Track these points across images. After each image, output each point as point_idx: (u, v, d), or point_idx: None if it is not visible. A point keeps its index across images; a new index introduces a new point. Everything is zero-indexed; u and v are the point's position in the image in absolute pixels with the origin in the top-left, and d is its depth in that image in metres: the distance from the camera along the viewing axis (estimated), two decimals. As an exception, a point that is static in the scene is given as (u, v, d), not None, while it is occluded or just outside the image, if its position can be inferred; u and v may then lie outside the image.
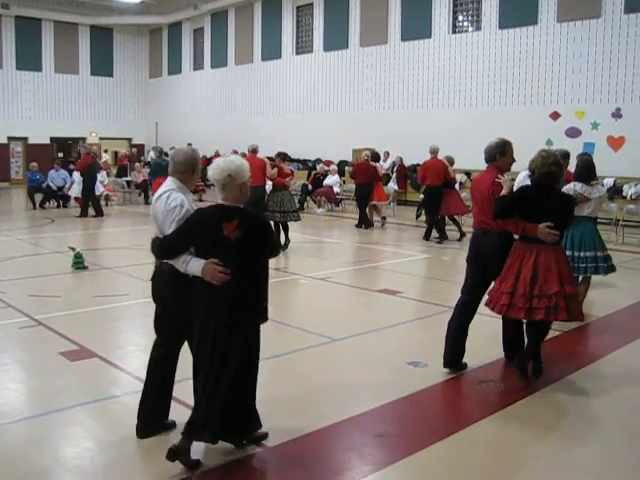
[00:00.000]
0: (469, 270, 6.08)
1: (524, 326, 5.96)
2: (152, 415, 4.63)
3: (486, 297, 5.90)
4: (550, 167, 5.54)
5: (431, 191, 14.69)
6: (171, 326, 4.54)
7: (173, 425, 4.70)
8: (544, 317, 5.46)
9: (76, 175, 19.20)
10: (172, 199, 4.36)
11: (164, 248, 4.30)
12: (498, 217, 5.61)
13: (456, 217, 15.24)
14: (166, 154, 20.78)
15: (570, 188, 7.58)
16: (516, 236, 5.73)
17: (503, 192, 5.65)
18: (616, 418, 5.15)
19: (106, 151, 32.11)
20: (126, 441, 4.56)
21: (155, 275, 4.64)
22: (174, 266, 4.27)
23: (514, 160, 6.04)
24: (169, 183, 4.51)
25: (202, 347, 4.15)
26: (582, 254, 7.69)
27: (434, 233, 14.56)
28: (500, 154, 5.93)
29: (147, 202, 21.48)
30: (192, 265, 4.14)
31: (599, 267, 7.78)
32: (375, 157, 17.10)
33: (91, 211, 18.23)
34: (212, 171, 4.17)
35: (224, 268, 4.02)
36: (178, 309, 4.39)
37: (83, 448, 4.49)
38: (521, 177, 8.78)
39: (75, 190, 19.07)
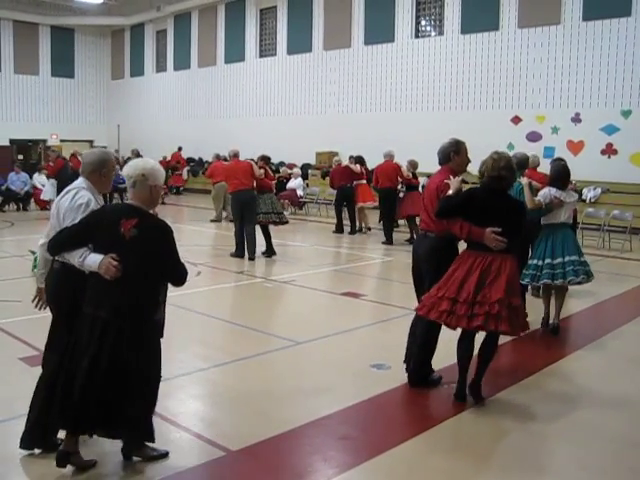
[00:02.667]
0: (412, 274, 6.05)
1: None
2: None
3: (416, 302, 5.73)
4: (500, 171, 5.27)
5: (384, 193, 14.90)
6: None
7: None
8: (481, 324, 5.09)
9: (39, 178, 18.98)
10: (79, 196, 4.31)
11: (62, 240, 4.16)
12: (440, 216, 5.39)
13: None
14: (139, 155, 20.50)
15: (546, 193, 7.52)
16: (461, 243, 5.53)
17: (449, 192, 5.44)
18: (574, 419, 5.23)
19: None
20: (88, 448, 4.51)
21: (47, 277, 4.47)
22: (65, 265, 4.20)
23: (469, 160, 5.94)
24: (79, 182, 4.47)
25: (85, 343, 4.01)
26: (567, 259, 7.45)
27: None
28: (455, 153, 5.84)
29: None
30: (89, 259, 4.05)
31: (578, 270, 7.48)
32: (359, 160, 16.97)
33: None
34: (127, 168, 4.18)
35: (117, 265, 3.95)
36: (65, 306, 4.29)
37: (43, 455, 4.42)
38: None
39: (48, 193, 18.76)
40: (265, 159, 13.08)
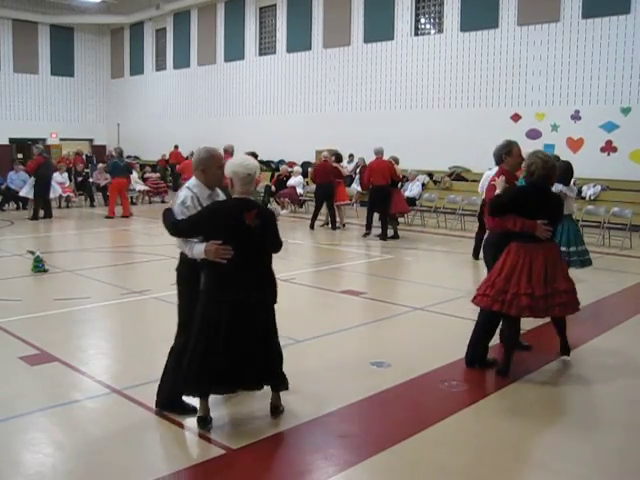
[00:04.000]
0: None
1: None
2: (168, 394, 5.00)
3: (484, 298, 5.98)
4: (549, 170, 5.81)
5: (377, 190, 14.97)
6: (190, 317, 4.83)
7: (192, 409, 4.94)
8: (558, 313, 5.94)
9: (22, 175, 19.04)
10: (178, 196, 4.90)
11: (182, 227, 4.70)
12: (494, 214, 5.91)
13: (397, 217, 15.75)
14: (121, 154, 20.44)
15: (556, 188, 8.24)
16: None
17: (497, 191, 5.96)
18: (579, 412, 5.23)
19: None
20: (88, 446, 4.52)
21: (177, 266, 4.99)
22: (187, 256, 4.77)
23: (522, 159, 6.25)
24: (189, 181, 5.01)
25: (223, 326, 4.60)
26: (578, 248, 9.02)
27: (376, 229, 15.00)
28: (506, 154, 6.24)
29: (107, 204, 21.26)
30: (196, 248, 4.63)
31: (585, 260, 9.13)
32: (338, 157, 17.28)
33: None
34: (241, 167, 4.70)
35: (225, 246, 4.53)
36: (189, 298, 4.84)
37: (44, 454, 4.42)
38: (485, 176, 9.25)
39: (24, 190, 18.70)
40: (254, 156, 13.20)
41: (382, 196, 14.88)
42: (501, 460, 4.45)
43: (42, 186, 18.01)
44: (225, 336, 4.60)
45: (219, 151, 5.06)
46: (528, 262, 5.74)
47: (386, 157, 15.27)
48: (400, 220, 17.37)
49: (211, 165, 4.89)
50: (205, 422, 4.72)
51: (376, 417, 5.14)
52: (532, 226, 5.72)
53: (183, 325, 4.92)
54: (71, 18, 32.89)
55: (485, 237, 6.50)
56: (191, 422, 4.87)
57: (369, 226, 15.17)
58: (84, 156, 28.87)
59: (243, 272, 4.63)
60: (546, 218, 5.78)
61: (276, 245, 4.86)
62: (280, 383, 4.92)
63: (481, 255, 7.29)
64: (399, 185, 16.24)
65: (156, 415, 4.98)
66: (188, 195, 4.83)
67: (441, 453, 4.53)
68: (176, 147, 28.39)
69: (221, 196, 5.05)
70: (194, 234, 4.68)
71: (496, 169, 6.62)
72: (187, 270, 4.87)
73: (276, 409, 4.95)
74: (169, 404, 5.00)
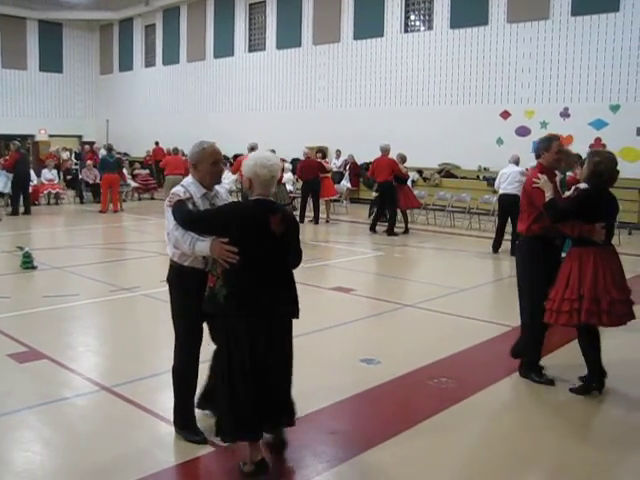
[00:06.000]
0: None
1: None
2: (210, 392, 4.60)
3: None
4: (615, 171, 5.52)
5: (382, 187, 15.24)
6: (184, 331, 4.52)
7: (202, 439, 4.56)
8: (627, 320, 5.49)
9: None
10: (172, 191, 4.45)
11: (195, 219, 4.23)
12: (558, 221, 5.49)
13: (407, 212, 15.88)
14: (110, 150, 20.38)
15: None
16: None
17: (547, 195, 5.52)
18: (565, 408, 5.25)
19: (65, 149, 31.34)
20: (77, 444, 4.51)
21: (168, 274, 4.58)
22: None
23: (560, 155, 5.94)
24: (186, 177, 4.61)
25: (254, 342, 4.03)
26: None
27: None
28: (544, 149, 5.89)
29: (97, 200, 21.18)
30: (199, 245, 4.15)
31: None
32: (323, 154, 17.54)
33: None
34: (263, 169, 4.11)
35: (232, 248, 4.01)
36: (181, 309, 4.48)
37: (32, 452, 4.41)
38: (507, 172, 8.72)
39: (0, 185, 18.64)
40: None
41: (386, 192, 15.14)
42: (492, 456, 4.47)
43: (20, 182, 18.01)
44: (263, 362, 4.05)
45: (214, 146, 4.51)
46: (606, 266, 5.39)
47: (394, 155, 15.44)
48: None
49: (202, 160, 4.43)
50: (265, 466, 4.15)
51: (365, 414, 5.14)
52: (591, 231, 5.39)
53: (178, 339, 4.55)
54: (60, 14, 32.71)
55: (520, 240, 6.05)
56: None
57: (374, 224, 15.45)
58: (73, 152, 28.78)
59: (269, 282, 4.07)
60: (606, 220, 5.45)
61: (297, 256, 4.28)
62: (293, 417, 4.33)
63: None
64: (408, 181, 16.42)
65: (145, 412, 4.97)
66: (180, 191, 4.38)
67: (430, 450, 4.54)
68: (157, 143, 28.16)
69: (224, 199, 4.57)
70: (207, 229, 4.16)
71: (521, 167, 6.17)
72: (177, 280, 4.46)
73: (284, 444, 4.37)
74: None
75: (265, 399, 4.06)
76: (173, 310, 4.53)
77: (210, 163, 4.44)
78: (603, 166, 5.43)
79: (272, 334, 4.06)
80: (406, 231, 15.33)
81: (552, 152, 5.84)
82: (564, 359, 6.34)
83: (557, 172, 7.32)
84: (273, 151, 13.85)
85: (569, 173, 8.41)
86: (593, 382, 5.56)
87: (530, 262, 5.80)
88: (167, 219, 4.34)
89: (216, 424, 4.20)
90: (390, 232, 14.98)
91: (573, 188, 5.77)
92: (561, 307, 5.36)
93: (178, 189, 4.40)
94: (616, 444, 4.69)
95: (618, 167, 5.55)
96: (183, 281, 4.41)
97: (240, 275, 4.03)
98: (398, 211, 15.29)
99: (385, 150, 15.21)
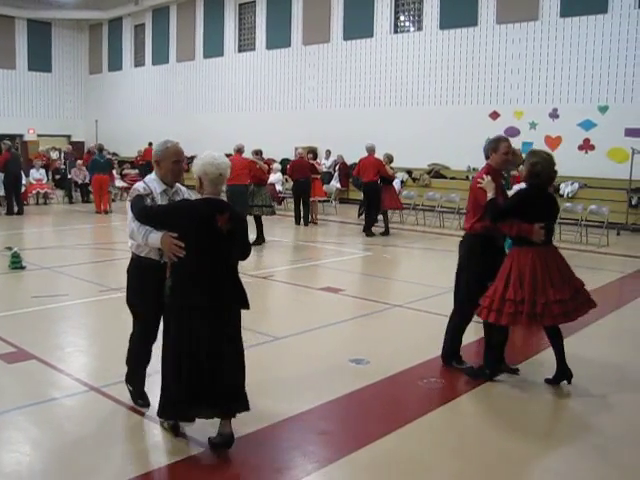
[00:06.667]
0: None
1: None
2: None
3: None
4: (553, 171, 5.67)
5: (368, 187, 15.27)
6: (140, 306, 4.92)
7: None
8: (586, 311, 5.61)
9: None
10: (134, 186, 4.80)
11: (150, 213, 4.48)
12: (496, 220, 5.60)
13: (388, 213, 15.91)
14: (101, 150, 20.32)
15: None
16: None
17: (489, 195, 5.63)
18: (557, 409, 5.28)
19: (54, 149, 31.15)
20: (65, 444, 4.49)
21: (128, 266, 4.92)
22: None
23: (508, 157, 6.03)
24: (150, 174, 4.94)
25: (195, 331, 4.28)
26: None
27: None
28: (493, 150, 5.97)
29: (86, 200, 21.11)
30: (152, 237, 4.44)
31: None
32: (314, 154, 17.55)
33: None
34: (210, 167, 4.35)
35: (180, 243, 4.28)
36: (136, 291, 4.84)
37: (20, 453, 4.39)
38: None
39: None
40: (260, 152, 14.02)
41: (371, 192, 15.16)
42: (480, 456, 4.48)
43: (11, 182, 17.94)
44: (202, 347, 4.29)
45: (177, 146, 4.76)
46: (545, 266, 5.48)
47: (380, 155, 15.47)
48: (378, 217, 17.50)
49: (165, 158, 4.69)
50: (177, 429, 4.61)
51: (355, 414, 5.15)
52: (529, 230, 5.50)
53: (134, 325, 5.00)
54: (49, 13, 32.55)
55: (462, 237, 6.19)
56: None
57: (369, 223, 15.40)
58: (62, 152, 28.61)
59: (211, 275, 4.32)
60: (545, 220, 5.58)
61: (245, 250, 4.60)
62: (244, 405, 4.45)
63: None
64: (394, 182, 16.44)
65: (134, 412, 4.97)
66: (141, 187, 4.69)
67: (420, 450, 4.55)
68: (150, 144, 28.07)
69: (185, 195, 4.83)
70: (159, 224, 4.44)
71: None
72: (135, 270, 4.82)
73: (232, 438, 4.42)
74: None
75: (205, 385, 4.28)
76: (129, 298, 4.91)
77: (172, 161, 4.71)
78: (540, 167, 5.57)
79: (215, 324, 4.31)
80: (386, 232, 15.25)
81: (500, 153, 5.94)
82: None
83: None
84: (260, 152, 14.07)
85: (514, 172, 8.42)
86: (564, 373, 5.72)
87: (468, 258, 5.99)
88: (128, 213, 4.63)
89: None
90: (368, 231, 15.03)
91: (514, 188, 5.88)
92: (502, 308, 5.43)
93: (139, 185, 4.72)
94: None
95: (556, 168, 5.71)
96: (140, 271, 4.76)
97: (185, 268, 4.33)
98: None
99: (371, 150, 15.21)
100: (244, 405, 4.41)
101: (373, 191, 15.14)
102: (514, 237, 5.62)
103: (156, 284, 4.53)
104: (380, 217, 15.52)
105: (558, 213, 5.95)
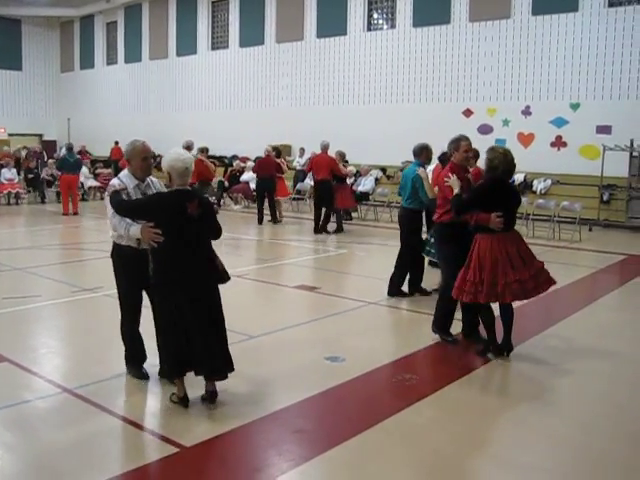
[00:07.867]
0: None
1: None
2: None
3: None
4: (511, 165, 6.10)
5: (321, 185, 15.04)
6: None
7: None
8: (546, 289, 6.19)
9: None
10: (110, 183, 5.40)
11: (127, 207, 5.06)
12: (461, 213, 6.20)
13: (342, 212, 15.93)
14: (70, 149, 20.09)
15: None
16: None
17: (455, 191, 6.22)
18: (533, 401, 5.32)
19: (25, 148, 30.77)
20: (38, 447, 4.44)
21: (111, 252, 5.49)
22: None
23: (469, 155, 6.76)
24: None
25: (179, 306, 4.91)
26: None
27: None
28: (454, 149, 6.60)
29: (43, 201, 20.90)
30: (132, 229, 5.04)
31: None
32: (277, 153, 17.32)
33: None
34: (178, 162, 4.92)
35: (157, 230, 4.85)
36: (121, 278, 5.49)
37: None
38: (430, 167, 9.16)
39: None
40: (206, 150, 13.88)
41: (324, 190, 14.93)
42: (456, 452, 4.50)
43: None
44: (187, 318, 4.91)
45: (145, 144, 5.35)
46: (504, 250, 6.00)
47: (332, 152, 15.36)
48: (353, 215, 17.57)
49: (134, 156, 5.29)
50: (186, 401, 5.04)
51: (330, 412, 5.15)
52: (485, 219, 6.00)
53: (121, 305, 5.57)
54: (18, 10, 32.13)
55: (434, 228, 6.92)
56: (143, 419, 4.84)
57: (318, 222, 15.09)
58: (28, 150, 28.27)
59: (186, 255, 4.90)
60: (505, 210, 6.04)
61: (216, 231, 5.16)
62: (229, 367, 5.12)
63: None
64: (348, 181, 16.37)
65: (108, 414, 4.93)
66: (116, 183, 5.24)
67: (395, 447, 4.56)
68: (116, 143, 27.88)
69: (157, 188, 5.43)
70: (136, 216, 5.03)
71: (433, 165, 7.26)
72: (117, 256, 5.40)
73: (215, 395, 5.12)
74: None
75: (191, 348, 4.95)
76: (116, 281, 5.51)
77: (141, 159, 5.30)
78: (497, 161, 6.05)
79: (195, 297, 4.92)
80: (339, 229, 15.18)
81: (461, 151, 6.59)
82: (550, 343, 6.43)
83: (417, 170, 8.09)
84: (206, 149, 14.00)
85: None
86: (494, 345, 6.34)
87: (440, 245, 6.87)
88: (107, 208, 5.22)
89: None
90: (323, 229, 14.92)
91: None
92: (464, 287, 6.11)
93: (114, 181, 5.27)
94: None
95: (515, 161, 6.16)
96: (121, 257, 5.36)
97: (164, 252, 4.92)
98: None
99: (324, 147, 15.12)
100: (230, 367, 5.08)
101: (326, 189, 14.90)
102: (475, 226, 6.15)
103: (136, 268, 5.20)
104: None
105: (519, 203, 6.38)
